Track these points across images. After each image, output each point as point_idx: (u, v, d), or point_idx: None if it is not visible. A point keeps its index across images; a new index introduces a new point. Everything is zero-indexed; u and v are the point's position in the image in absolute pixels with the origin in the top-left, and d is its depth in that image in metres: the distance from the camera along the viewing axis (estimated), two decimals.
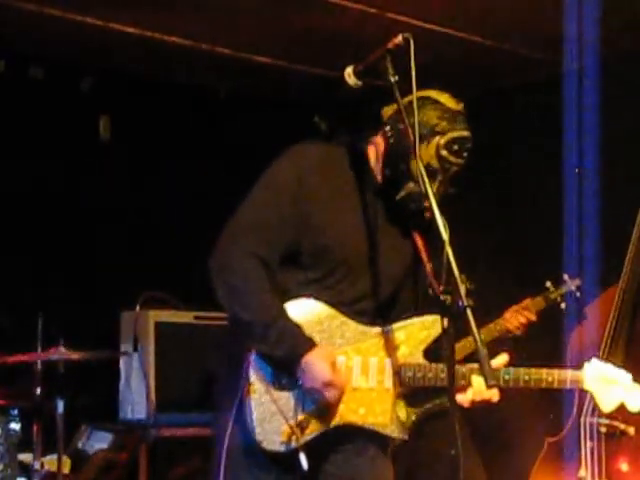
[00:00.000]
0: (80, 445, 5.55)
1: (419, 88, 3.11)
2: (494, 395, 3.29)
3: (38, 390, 4.88)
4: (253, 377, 3.27)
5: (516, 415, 5.43)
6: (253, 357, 3.27)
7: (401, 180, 3.33)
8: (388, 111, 3.38)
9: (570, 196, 5.52)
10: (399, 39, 3.08)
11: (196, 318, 5.86)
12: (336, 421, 3.30)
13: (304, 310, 3.32)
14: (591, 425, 4.47)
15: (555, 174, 5.57)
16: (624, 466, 4.42)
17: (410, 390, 4.50)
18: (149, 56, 5.84)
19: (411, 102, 3.12)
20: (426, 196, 3.01)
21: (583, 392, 4.46)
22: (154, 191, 6.26)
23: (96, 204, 6.05)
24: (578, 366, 3.43)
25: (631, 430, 4.40)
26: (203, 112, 6.49)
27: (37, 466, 4.75)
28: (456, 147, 3.30)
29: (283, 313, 3.27)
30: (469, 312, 2.85)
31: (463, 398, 3.32)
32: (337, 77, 3.31)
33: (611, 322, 4.54)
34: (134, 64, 6.01)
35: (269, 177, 3.36)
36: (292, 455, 3.24)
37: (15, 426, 4.66)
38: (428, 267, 3.36)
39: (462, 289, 2.86)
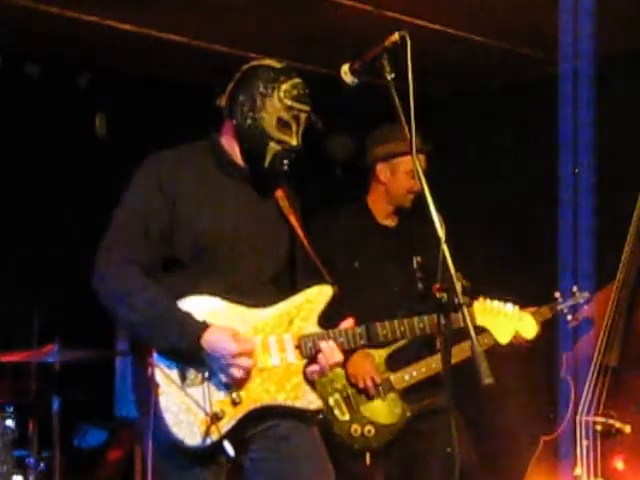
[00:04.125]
0: (76, 442, 5.55)
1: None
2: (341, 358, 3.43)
3: (34, 387, 4.88)
4: (159, 377, 3.33)
5: (512, 413, 5.44)
6: (155, 357, 3.34)
7: (260, 146, 3.47)
8: (222, 100, 3.60)
9: (566, 194, 5.52)
10: (395, 37, 3.10)
11: None
12: (250, 405, 3.35)
13: (193, 307, 3.37)
14: (587, 423, 4.47)
15: (552, 172, 5.57)
16: (619, 464, 4.42)
17: (407, 387, 4.55)
18: (145, 53, 5.83)
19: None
20: (422, 192, 3.02)
21: (579, 390, 4.50)
22: None
23: (92, 201, 6.03)
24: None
25: (627, 428, 4.41)
26: (199, 109, 6.47)
27: (33, 463, 4.75)
28: (295, 93, 3.48)
29: (170, 304, 3.34)
30: (465, 310, 2.86)
31: (315, 368, 3.43)
32: (334, 75, 3.31)
33: (607, 320, 4.55)
34: (131, 61, 6.00)
35: (130, 189, 3.53)
36: (215, 447, 3.29)
37: (11, 423, 4.66)
38: (305, 242, 3.53)
39: (458, 287, 2.88)
